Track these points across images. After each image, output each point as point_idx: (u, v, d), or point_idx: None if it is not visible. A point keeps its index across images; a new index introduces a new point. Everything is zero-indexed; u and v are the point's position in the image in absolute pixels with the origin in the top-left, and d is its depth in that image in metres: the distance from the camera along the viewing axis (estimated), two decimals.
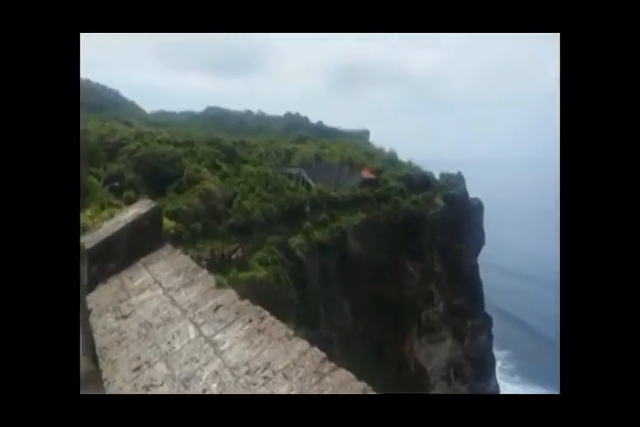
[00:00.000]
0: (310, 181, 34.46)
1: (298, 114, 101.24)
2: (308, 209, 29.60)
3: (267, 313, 2.46)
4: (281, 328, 2.26)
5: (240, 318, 2.48)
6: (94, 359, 3.92)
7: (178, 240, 18.04)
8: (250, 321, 2.42)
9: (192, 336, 2.47)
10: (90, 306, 3.51)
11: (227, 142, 37.03)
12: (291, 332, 2.19)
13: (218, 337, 2.37)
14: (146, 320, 2.88)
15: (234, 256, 22.24)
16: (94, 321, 3.21)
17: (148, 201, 4.70)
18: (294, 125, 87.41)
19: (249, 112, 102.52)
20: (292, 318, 19.39)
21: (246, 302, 2.67)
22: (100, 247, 4.07)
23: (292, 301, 23.93)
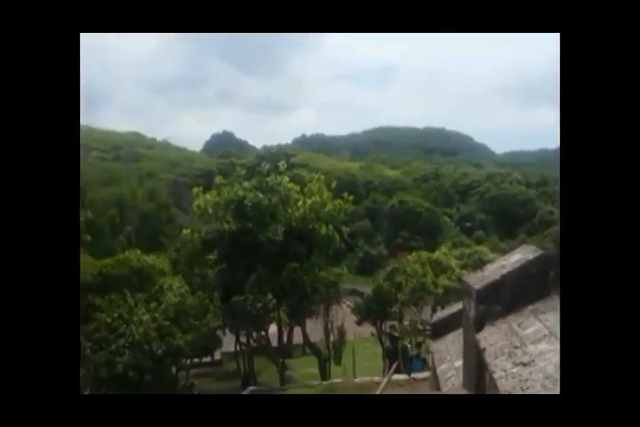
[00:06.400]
0: None
1: None
2: None
3: None
4: None
5: None
6: (476, 386, 4.11)
7: None
8: None
9: None
10: (482, 345, 3.73)
11: None
12: None
13: None
14: (550, 374, 2.78)
15: None
16: (490, 361, 3.37)
17: (534, 247, 4.66)
18: None
19: None
20: None
21: None
22: (488, 289, 4.30)
23: None
